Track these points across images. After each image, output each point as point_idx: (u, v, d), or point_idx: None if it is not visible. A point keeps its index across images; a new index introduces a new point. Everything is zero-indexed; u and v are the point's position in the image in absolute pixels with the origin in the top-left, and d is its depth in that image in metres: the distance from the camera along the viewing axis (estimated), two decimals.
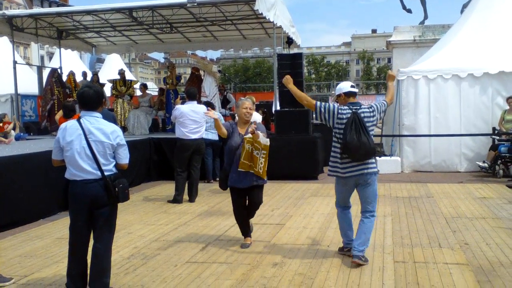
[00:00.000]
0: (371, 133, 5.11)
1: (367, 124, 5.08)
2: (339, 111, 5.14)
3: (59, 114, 8.60)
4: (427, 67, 12.19)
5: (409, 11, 19.84)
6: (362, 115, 5.10)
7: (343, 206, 5.45)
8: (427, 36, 18.00)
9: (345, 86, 5.31)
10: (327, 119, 5.18)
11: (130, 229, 6.93)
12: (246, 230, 6.00)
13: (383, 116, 5.20)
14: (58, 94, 14.23)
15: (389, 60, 66.57)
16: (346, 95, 5.24)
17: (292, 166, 10.85)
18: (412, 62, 14.78)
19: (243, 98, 5.90)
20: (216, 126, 5.69)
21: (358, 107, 5.15)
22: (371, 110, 5.18)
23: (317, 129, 12.20)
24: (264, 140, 5.45)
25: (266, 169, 5.60)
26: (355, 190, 5.34)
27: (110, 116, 8.50)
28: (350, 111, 5.10)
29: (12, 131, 12.15)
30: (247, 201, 5.86)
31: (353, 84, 5.39)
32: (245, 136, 5.54)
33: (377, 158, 5.51)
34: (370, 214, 5.27)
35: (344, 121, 5.07)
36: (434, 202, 8.23)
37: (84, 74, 16.23)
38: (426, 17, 19.23)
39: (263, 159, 5.51)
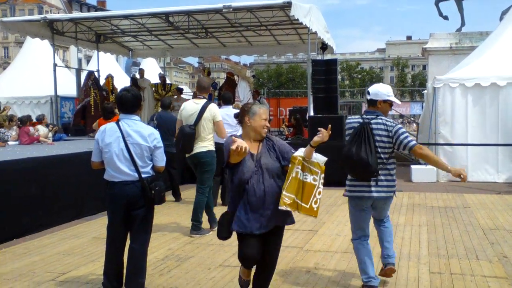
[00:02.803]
0: (380, 150, 4.31)
1: (376, 138, 4.31)
2: (347, 122, 4.57)
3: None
4: (464, 75, 11.96)
5: (445, 18, 19.48)
6: (374, 126, 4.34)
7: (363, 235, 4.57)
8: (464, 44, 17.65)
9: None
10: None
11: (164, 231, 7.02)
12: None
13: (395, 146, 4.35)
14: (94, 96, 14.56)
15: (424, 67, 65.52)
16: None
17: (325, 173, 10.78)
18: (448, 70, 14.52)
19: (258, 104, 4.31)
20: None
21: (374, 117, 4.39)
22: (388, 125, 4.32)
23: None
24: (321, 158, 3.98)
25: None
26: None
27: (173, 120, 8.47)
28: (361, 120, 4.43)
29: (50, 133, 12.50)
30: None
31: (368, 90, 4.56)
32: (294, 154, 3.92)
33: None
34: (387, 218, 4.73)
35: (350, 131, 4.44)
36: (471, 213, 8.06)
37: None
38: (463, 24, 18.87)
39: (322, 187, 3.94)
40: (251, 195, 3.78)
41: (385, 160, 4.37)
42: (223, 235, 3.92)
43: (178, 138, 6.68)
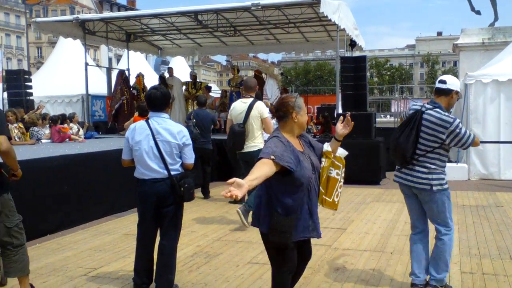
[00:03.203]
0: (421, 141, 4.19)
1: (422, 129, 4.18)
2: (409, 108, 4.49)
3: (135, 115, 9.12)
4: (497, 70, 11.70)
5: (478, 12, 19.05)
6: (425, 116, 4.19)
7: (412, 226, 4.57)
8: (497, 39, 17.20)
9: None
10: None
11: (193, 228, 7.09)
12: None
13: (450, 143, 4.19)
14: (126, 95, 14.85)
15: (455, 63, 64.38)
16: None
17: (353, 170, 10.63)
18: (481, 66, 14.21)
19: (293, 95, 3.63)
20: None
21: (431, 108, 4.22)
22: (443, 120, 4.13)
23: (380, 133, 11.98)
24: (343, 152, 3.77)
25: None
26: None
27: (209, 117, 9.48)
28: (418, 107, 4.30)
29: (81, 130, 12.76)
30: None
31: (443, 79, 4.30)
32: (327, 149, 3.68)
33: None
34: (440, 234, 4.37)
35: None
36: (504, 212, 7.89)
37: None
38: (496, 18, 18.41)
39: (343, 181, 3.75)
40: (314, 197, 3.50)
41: (423, 152, 4.22)
42: (286, 240, 3.37)
43: (229, 136, 6.96)
